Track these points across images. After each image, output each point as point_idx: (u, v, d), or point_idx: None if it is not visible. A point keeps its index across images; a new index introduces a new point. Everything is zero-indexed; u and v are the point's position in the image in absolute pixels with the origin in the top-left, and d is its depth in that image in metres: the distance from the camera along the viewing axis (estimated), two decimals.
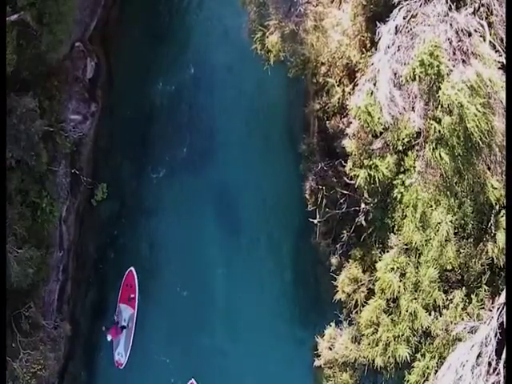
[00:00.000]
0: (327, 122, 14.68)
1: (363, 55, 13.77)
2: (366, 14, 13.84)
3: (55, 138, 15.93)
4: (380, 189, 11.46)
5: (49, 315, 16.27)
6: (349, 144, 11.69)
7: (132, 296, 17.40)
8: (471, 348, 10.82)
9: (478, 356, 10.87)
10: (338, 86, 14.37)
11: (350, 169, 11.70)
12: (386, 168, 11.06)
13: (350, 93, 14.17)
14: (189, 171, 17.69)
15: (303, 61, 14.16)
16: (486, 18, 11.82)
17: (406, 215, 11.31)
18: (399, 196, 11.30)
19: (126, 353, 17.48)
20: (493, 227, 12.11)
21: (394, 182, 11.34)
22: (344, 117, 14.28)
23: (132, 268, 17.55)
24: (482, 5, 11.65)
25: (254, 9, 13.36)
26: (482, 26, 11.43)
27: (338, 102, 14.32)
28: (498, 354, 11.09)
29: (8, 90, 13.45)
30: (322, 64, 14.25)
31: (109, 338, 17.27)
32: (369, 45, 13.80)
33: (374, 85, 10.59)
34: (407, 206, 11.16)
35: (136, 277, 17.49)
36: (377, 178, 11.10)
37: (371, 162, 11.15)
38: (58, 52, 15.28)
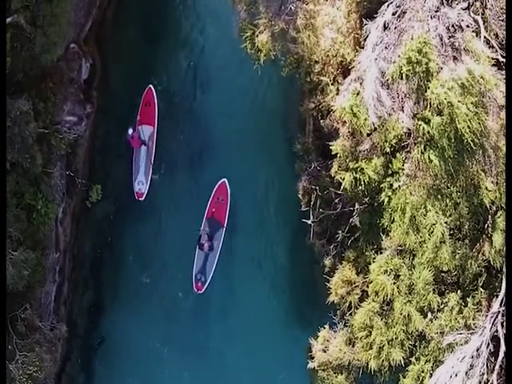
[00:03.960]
0: (322, 120, 14.49)
1: (357, 53, 13.52)
2: (360, 11, 13.60)
3: (50, 140, 15.86)
4: (367, 192, 11.21)
5: (45, 317, 16.27)
6: (335, 146, 11.44)
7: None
8: (462, 359, 10.53)
9: (470, 368, 10.58)
10: (332, 84, 14.16)
11: (336, 172, 11.45)
12: (373, 171, 10.79)
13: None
14: (184, 171, 17.57)
15: (297, 59, 13.99)
16: (483, 14, 11.50)
17: (394, 219, 11.05)
18: (387, 199, 11.02)
19: (146, 180, 16.98)
20: (489, 228, 11.83)
21: (382, 185, 11.07)
22: None
23: (151, 85, 17.15)
24: (477, 0, 11.33)
25: (244, 7, 13.18)
26: (476, 21, 11.11)
27: (333, 101, 14.10)
28: (491, 365, 10.80)
29: None
30: (316, 62, 14.06)
31: (130, 131, 16.62)
32: (363, 43, 13.53)
33: (361, 84, 10.34)
34: (395, 210, 10.88)
35: (155, 93, 17.00)
36: (363, 182, 10.84)
37: (357, 165, 10.89)
38: (52, 54, 15.15)
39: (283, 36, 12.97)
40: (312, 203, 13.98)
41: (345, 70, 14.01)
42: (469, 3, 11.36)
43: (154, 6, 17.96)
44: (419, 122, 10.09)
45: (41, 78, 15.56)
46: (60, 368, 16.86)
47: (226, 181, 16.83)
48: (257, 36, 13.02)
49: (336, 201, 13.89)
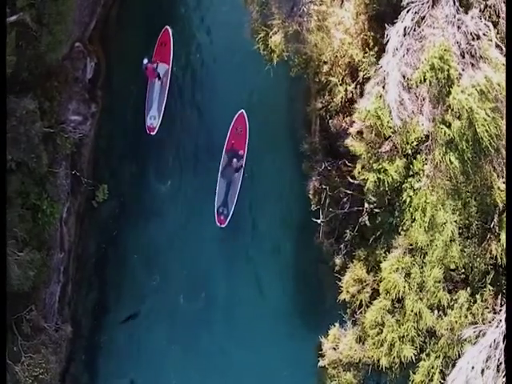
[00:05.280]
0: (329, 121, 14.66)
1: (366, 54, 13.76)
2: (369, 12, 13.80)
3: (55, 140, 15.69)
4: (388, 192, 11.47)
5: (50, 317, 16.11)
6: (358, 147, 11.65)
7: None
8: (480, 352, 10.89)
9: (487, 359, 10.95)
10: (341, 84, 14.32)
11: (359, 172, 11.67)
12: (395, 172, 11.07)
13: (352, 92, 14.18)
14: (189, 170, 17.60)
15: (305, 60, 14.11)
16: (490, 17, 11.82)
17: (414, 218, 11.33)
18: (408, 200, 11.32)
19: (159, 115, 17.17)
20: (497, 227, 12.18)
21: (403, 186, 11.35)
22: (347, 116, 14.27)
23: (167, 26, 17.45)
24: (489, 6, 11.65)
25: (256, 8, 13.25)
26: (487, 26, 11.42)
27: (341, 101, 14.29)
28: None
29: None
30: (325, 63, 14.19)
31: (145, 61, 16.77)
32: (371, 44, 13.77)
33: (383, 88, 10.55)
34: (416, 210, 11.16)
35: (171, 34, 17.42)
36: (386, 182, 11.11)
37: (380, 166, 11.14)
38: (57, 52, 15.01)
39: (296, 37, 13.08)
40: (322, 202, 14.15)
41: (353, 71, 14.22)
42: (480, 9, 11.67)
43: (159, 5, 17.88)
44: (441, 126, 10.38)
45: (46, 77, 15.39)
46: (64, 368, 16.71)
47: (244, 111, 16.90)
48: (270, 37, 13.11)
49: (344, 200, 14.10)
